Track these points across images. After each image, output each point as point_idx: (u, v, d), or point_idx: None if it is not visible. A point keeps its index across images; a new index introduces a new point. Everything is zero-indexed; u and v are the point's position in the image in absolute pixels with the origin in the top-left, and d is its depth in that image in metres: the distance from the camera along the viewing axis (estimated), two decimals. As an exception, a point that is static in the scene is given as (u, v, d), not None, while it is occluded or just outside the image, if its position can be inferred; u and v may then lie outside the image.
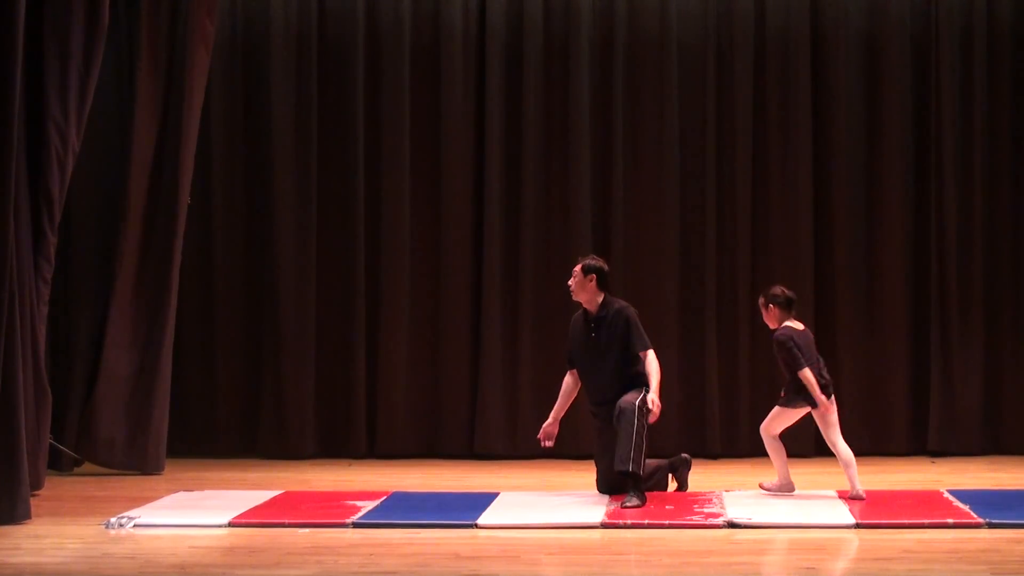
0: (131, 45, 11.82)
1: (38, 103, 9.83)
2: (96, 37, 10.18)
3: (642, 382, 9.63)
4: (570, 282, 9.89)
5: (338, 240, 12.70)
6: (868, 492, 9.89)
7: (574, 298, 9.92)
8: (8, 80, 8.80)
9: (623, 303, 9.93)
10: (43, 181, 9.87)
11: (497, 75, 12.67)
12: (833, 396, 9.70)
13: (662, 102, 12.63)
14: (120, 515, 8.97)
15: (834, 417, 9.64)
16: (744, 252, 12.58)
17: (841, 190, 12.59)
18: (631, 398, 9.49)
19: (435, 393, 12.65)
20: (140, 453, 11.48)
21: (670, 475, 10.07)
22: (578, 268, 9.86)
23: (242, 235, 12.79)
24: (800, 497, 9.70)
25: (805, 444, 12.41)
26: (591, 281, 9.84)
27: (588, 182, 12.60)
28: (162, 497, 9.96)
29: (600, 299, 9.86)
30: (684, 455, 10.19)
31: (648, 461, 9.85)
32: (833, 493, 9.78)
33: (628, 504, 9.21)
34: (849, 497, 9.43)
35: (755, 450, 12.39)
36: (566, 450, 12.22)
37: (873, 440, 12.43)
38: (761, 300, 9.91)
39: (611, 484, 9.65)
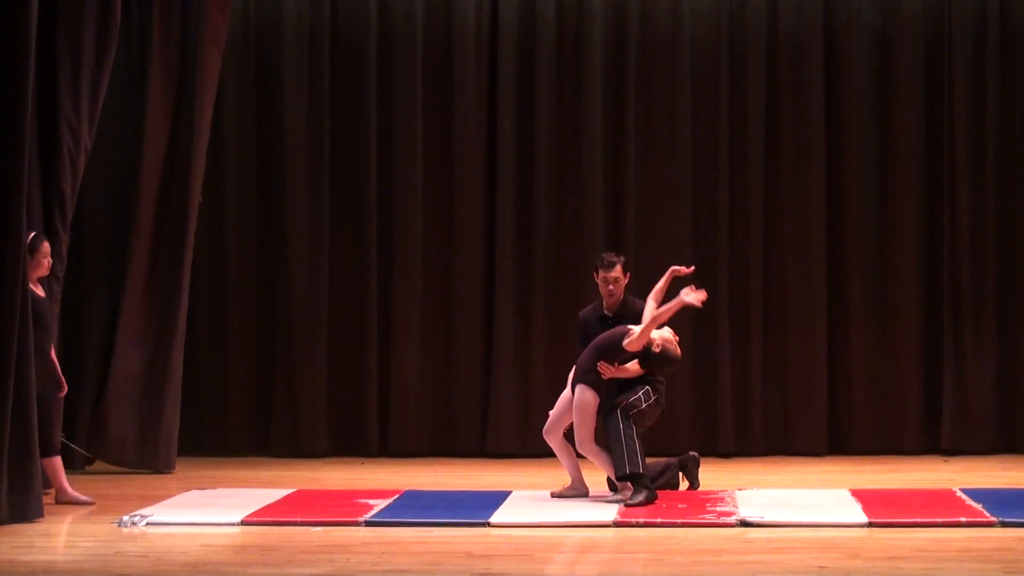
0: (143, 43, 11.84)
1: (50, 102, 9.86)
2: (108, 36, 10.20)
3: (646, 379, 9.61)
4: (611, 287, 9.78)
5: (350, 238, 12.71)
6: (881, 491, 9.89)
7: (612, 299, 9.84)
8: (21, 79, 8.81)
9: (643, 303, 9.91)
10: (56, 180, 9.89)
11: (509, 73, 12.66)
12: None
13: (674, 100, 12.62)
14: (132, 513, 8.98)
15: None
16: (757, 250, 12.57)
17: (854, 187, 12.57)
18: (612, 411, 9.46)
19: (447, 392, 12.66)
20: (151, 451, 11.49)
21: (680, 474, 10.05)
22: (619, 269, 9.78)
23: (254, 233, 12.79)
24: (812, 496, 9.69)
25: (817, 442, 12.42)
26: (628, 278, 9.86)
27: (600, 179, 12.59)
28: (174, 495, 9.97)
29: (622, 297, 9.87)
30: (692, 453, 10.17)
31: (657, 460, 9.85)
32: (846, 492, 9.76)
33: (631, 502, 9.20)
34: None
35: (768, 449, 12.45)
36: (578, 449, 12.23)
37: (886, 438, 12.43)
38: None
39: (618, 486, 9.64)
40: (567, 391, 9.65)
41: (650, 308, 9.40)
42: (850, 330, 12.54)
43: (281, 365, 12.63)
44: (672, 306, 9.35)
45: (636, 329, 9.35)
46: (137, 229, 11.57)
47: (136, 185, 11.62)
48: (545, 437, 9.80)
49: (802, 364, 12.50)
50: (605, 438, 9.48)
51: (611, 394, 9.53)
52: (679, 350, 9.52)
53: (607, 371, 9.41)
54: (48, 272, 9.92)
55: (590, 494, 9.66)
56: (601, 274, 9.80)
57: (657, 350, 9.37)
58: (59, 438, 9.88)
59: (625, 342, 9.33)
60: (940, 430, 12.37)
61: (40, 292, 9.75)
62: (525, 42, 12.70)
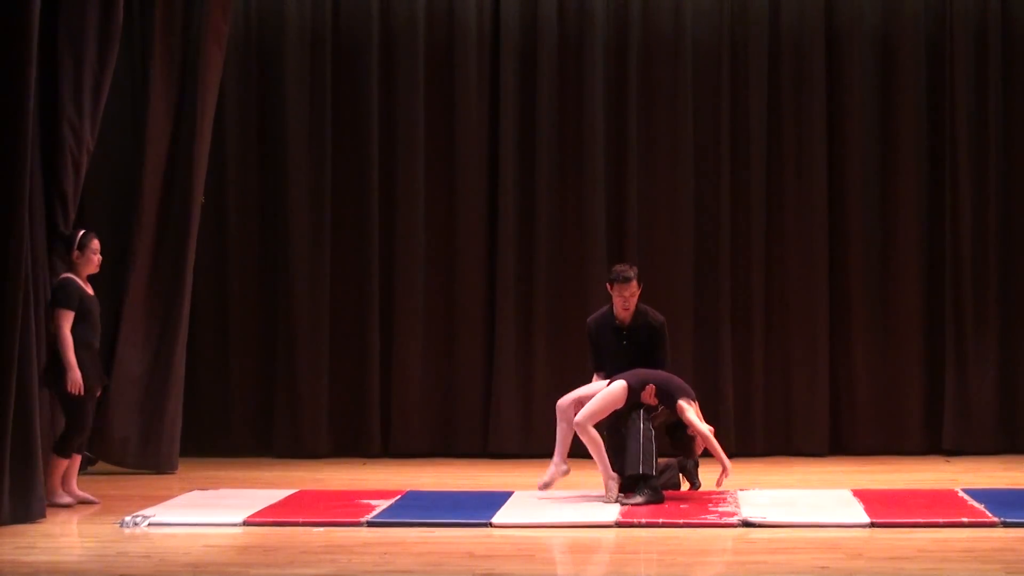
0: (145, 44, 11.87)
1: (53, 103, 9.86)
2: (110, 37, 10.20)
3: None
4: (627, 301, 9.78)
5: (352, 239, 12.71)
6: (883, 491, 9.89)
7: (627, 312, 9.84)
8: (23, 80, 8.81)
9: (659, 315, 9.91)
10: (58, 181, 9.89)
11: (511, 74, 12.66)
12: None
13: (676, 101, 12.62)
14: (135, 514, 8.99)
15: None
16: (759, 252, 12.58)
17: (856, 188, 12.57)
18: (635, 407, 9.48)
19: (449, 392, 12.66)
20: (154, 452, 11.49)
21: (680, 474, 10.04)
22: (635, 284, 9.76)
23: (256, 234, 12.80)
24: (814, 496, 9.69)
25: (819, 443, 12.42)
26: (640, 288, 9.84)
27: (602, 181, 12.59)
28: (176, 496, 9.97)
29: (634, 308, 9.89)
30: None
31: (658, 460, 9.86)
32: (848, 492, 9.76)
33: (628, 502, 9.21)
34: None
35: (770, 449, 12.45)
36: (580, 450, 12.21)
37: (888, 438, 12.43)
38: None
39: (625, 483, 9.63)
40: (603, 382, 9.63)
41: (707, 429, 9.51)
42: (852, 330, 12.54)
43: (283, 365, 12.63)
44: (715, 453, 9.46)
45: (695, 408, 9.50)
46: (139, 229, 11.57)
47: (138, 185, 11.63)
48: (559, 406, 9.68)
49: (804, 364, 12.50)
50: (618, 434, 9.47)
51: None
52: (698, 452, 9.67)
53: (648, 397, 9.45)
54: (98, 269, 10.03)
55: (571, 472, 9.61)
56: (616, 288, 9.78)
57: (690, 433, 9.54)
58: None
59: (682, 401, 9.46)
60: (942, 430, 12.37)
61: (89, 290, 9.88)
62: (527, 43, 12.70)
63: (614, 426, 9.61)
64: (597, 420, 9.48)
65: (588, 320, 10.08)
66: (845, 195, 12.60)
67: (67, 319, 9.68)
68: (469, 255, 12.68)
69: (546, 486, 9.66)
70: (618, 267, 9.95)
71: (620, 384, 9.46)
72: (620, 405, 9.46)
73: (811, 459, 12.21)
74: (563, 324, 12.43)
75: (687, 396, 9.50)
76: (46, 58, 9.63)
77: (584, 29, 12.66)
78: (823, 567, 7.38)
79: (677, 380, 9.61)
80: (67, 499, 9.74)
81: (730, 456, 12.12)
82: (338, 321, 12.65)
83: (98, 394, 10.05)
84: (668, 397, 9.49)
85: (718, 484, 9.37)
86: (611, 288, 9.84)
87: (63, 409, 9.76)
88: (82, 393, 9.63)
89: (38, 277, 9.44)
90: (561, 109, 12.70)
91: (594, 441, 9.48)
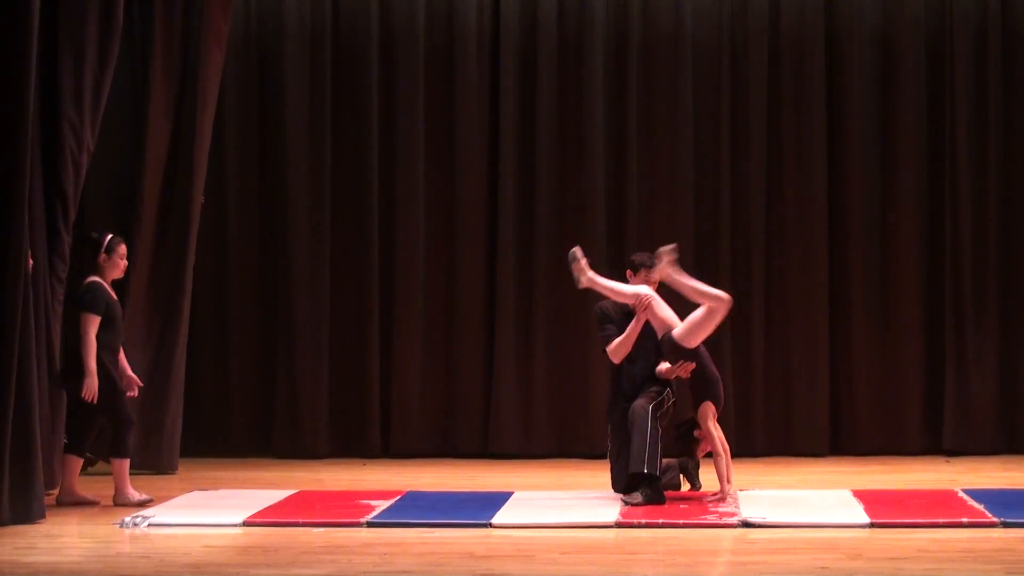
0: (145, 44, 11.87)
1: (53, 103, 9.85)
2: (111, 37, 10.20)
3: (667, 382, 9.61)
4: (652, 287, 9.83)
5: (352, 239, 12.71)
6: (883, 491, 9.89)
7: None
8: (23, 80, 8.81)
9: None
10: (58, 181, 9.89)
11: (511, 74, 12.67)
12: None
13: (676, 101, 12.62)
14: (135, 514, 8.99)
15: None
16: (759, 251, 12.58)
17: (856, 188, 12.58)
18: (643, 402, 9.46)
19: (449, 392, 12.66)
20: (154, 452, 11.50)
21: (681, 475, 10.04)
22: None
23: (256, 234, 12.81)
24: (814, 497, 9.70)
25: (819, 443, 12.42)
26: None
27: (602, 181, 12.60)
28: (176, 496, 9.97)
29: None
30: None
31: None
32: (847, 492, 9.77)
33: (629, 502, 9.21)
34: None
35: (770, 449, 12.46)
36: (580, 449, 12.22)
37: (887, 439, 12.44)
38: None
39: (626, 483, 9.63)
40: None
41: (721, 446, 9.51)
42: (852, 330, 12.55)
43: (283, 366, 12.63)
44: (721, 473, 9.51)
45: (713, 415, 9.46)
46: (140, 230, 11.57)
47: (138, 186, 11.63)
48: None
49: (804, 364, 12.51)
50: (624, 430, 9.47)
51: (643, 377, 9.59)
52: (700, 454, 9.72)
53: (684, 372, 9.44)
54: (123, 275, 10.05)
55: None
56: (643, 274, 9.74)
57: (696, 435, 9.56)
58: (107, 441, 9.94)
59: (708, 404, 9.44)
60: (942, 430, 12.38)
61: (113, 294, 9.90)
62: (527, 43, 12.70)
63: (621, 424, 9.59)
64: (652, 316, 9.47)
65: (600, 304, 9.96)
66: (845, 195, 12.60)
67: (93, 324, 9.66)
68: (469, 255, 12.68)
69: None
70: (641, 255, 9.93)
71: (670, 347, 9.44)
72: (686, 342, 9.34)
73: (811, 459, 12.22)
74: (563, 325, 12.43)
75: (716, 402, 9.48)
76: (46, 57, 9.63)
77: (584, 29, 12.66)
78: (823, 567, 7.38)
79: (718, 384, 9.56)
80: (139, 496, 9.71)
81: (730, 456, 12.17)
82: (338, 321, 12.65)
83: (133, 392, 9.98)
84: (699, 389, 9.47)
85: (711, 505, 9.33)
86: (632, 275, 9.81)
87: (105, 414, 9.72)
88: (95, 401, 9.59)
89: (38, 277, 9.44)
90: (561, 109, 12.70)
91: (644, 294, 9.45)
